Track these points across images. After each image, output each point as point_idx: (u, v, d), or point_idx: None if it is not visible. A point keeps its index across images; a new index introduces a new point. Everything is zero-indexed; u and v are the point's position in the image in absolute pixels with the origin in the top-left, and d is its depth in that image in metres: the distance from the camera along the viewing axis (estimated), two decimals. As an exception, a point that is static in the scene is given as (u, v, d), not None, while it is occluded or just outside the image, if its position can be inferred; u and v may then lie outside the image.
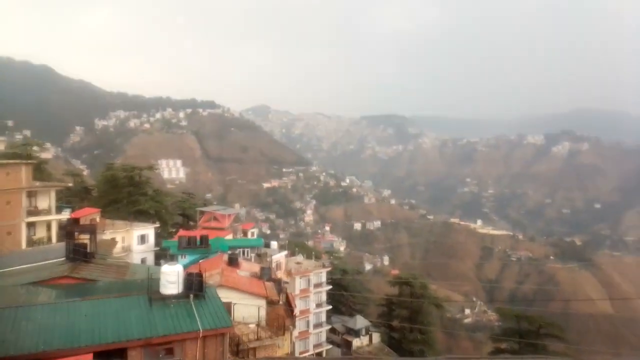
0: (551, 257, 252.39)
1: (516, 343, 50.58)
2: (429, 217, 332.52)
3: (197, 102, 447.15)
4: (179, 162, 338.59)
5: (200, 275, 24.74)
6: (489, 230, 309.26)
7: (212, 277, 34.72)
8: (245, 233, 71.64)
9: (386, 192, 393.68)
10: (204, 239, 51.79)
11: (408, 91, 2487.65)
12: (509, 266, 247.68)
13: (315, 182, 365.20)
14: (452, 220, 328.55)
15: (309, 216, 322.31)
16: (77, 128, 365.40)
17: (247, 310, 34.29)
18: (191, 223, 78.55)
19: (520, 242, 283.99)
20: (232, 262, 44.07)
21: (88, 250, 31.96)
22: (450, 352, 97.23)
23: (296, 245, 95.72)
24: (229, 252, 49.38)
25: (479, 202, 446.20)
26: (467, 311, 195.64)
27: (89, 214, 48.55)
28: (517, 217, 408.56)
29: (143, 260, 52.08)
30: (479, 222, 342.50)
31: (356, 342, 63.82)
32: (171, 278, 23.64)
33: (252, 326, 33.28)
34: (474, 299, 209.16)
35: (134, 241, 53.73)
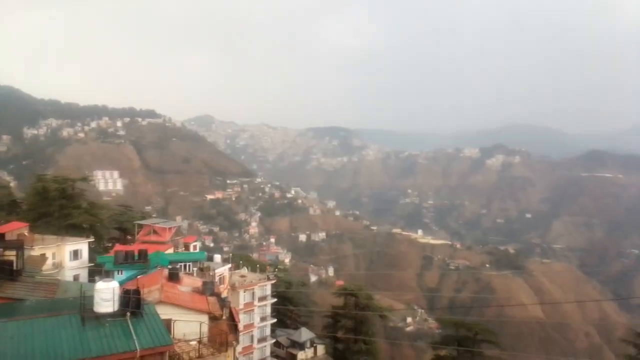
0: (487, 265, 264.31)
1: (455, 350, 52.29)
2: (372, 227, 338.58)
3: (136, 111, 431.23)
4: (116, 173, 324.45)
5: (137, 291, 23.74)
6: (429, 240, 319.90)
7: (151, 293, 33.37)
8: (187, 247, 69.47)
9: (331, 204, 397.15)
10: (143, 254, 49.65)
11: (353, 104, 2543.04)
12: (448, 274, 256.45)
13: (260, 194, 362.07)
14: (395, 230, 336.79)
15: (253, 228, 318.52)
16: (4, 137, 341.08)
17: (189, 326, 33.18)
18: (129, 237, 75.21)
19: (458, 251, 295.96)
20: (173, 277, 42.57)
21: (14, 267, 29.82)
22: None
23: (240, 258, 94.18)
24: (170, 266, 47.64)
25: (420, 212, 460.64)
26: (409, 319, 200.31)
27: (16, 229, 45.33)
28: (455, 227, 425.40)
29: (76, 277, 49.19)
30: (420, 232, 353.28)
31: (301, 355, 63.43)
32: (106, 295, 22.50)
33: (194, 343, 32.21)
34: (416, 307, 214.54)
35: (65, 257, 50.61)
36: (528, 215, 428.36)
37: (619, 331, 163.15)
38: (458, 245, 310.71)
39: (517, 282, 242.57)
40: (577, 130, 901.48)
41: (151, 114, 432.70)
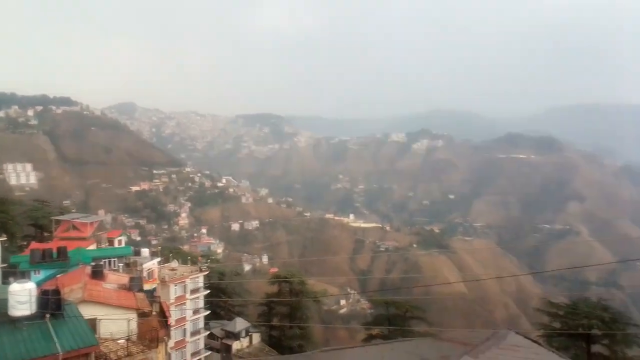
0: (414, 245, 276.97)
1: (386, 329, 54.44)
2: (305, 214, 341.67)
3: (50, 99, 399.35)
4: (28, 166, 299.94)
5: (57, 291, 22.43)
6: (361, 224, 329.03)
7: (72, 292, 31.61)
8: (111, 242, 66.33)
9: (263, 191, 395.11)
10: (62, 251, 46.74)
11: (283, 91, 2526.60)
12: (379, 256, 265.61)
13: (189, 184, 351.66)
14: (327, 216, 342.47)
15: (183, 219, 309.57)
16: None
17: (116, 324, 31.89)
18: (46, 234, 70.44)
19: (388, 233, 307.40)
20: (97, 274, 40.54)
21: None
22: (327, 344, 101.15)
23: (170, 251, 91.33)
24: (93, 263, 45.34)
25: (351, 197, 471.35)
26: (343, 302, 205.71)
27: None
28: (384, 210, 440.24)
29: (-14, 280, 45.40)
30: (352, 216, 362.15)
31: (236, 345, 63.13)
32: (22, 297, 21.05)
33: (122, 341, 31.05)
34: (349, 290, 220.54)
35: (-28, 259, 46.45)
36: (451, 196, 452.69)
37: (534, 301, 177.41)
38: (388, 228, 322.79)
39: (442, 259, 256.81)
40: (495, 114, 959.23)
41: (67, 101, 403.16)
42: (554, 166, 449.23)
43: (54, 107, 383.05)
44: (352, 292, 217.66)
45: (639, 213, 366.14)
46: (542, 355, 13.56)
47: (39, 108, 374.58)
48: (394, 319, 55.80)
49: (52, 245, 49.23)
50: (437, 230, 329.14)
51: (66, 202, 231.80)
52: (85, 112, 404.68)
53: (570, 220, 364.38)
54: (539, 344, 15.59)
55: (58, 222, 66.70)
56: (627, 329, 40.43)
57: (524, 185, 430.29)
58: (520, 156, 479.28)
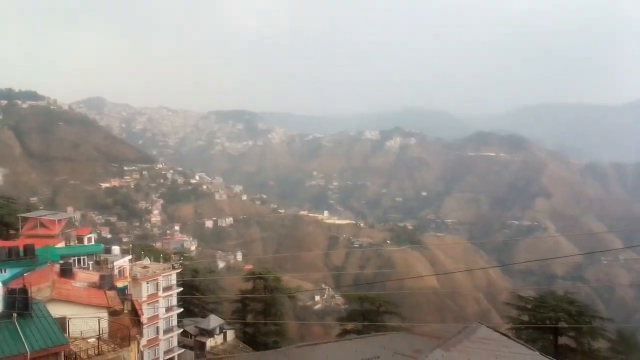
0: (388, 241, 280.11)
1: (360, 324, 54.97)
2: (280, 211, 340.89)
3: (14, 93, 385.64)
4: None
5: (25, 290, 21.82)
6: (335, 220, 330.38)
7: (40, 291, 30.82)
8: (80, 239, 64.85)
9: (237, 188, 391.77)
10: (29, 249, 45.40)
11: (257, 88, 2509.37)
12: (353, 252, 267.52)
13: (161, 180, 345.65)
14: (302, 212, 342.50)
15: (155, 216, 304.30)
16: None
17: (87, 323, 31.28)
18: (12, 232, 68.34)
19: (361, 229, 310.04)
20: (65, 272, 39.64)
21: None
22: (302, 339, 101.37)
23: (142, 249, 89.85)
24: (61, 262, 44.27)
25: (325, 194, 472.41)
26: (317, 298, 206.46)
27: None
28: (358, 207, 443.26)
29: (-53, 280, 43.72)
30: (326, 213, 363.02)
31: (210, 342, 62.70)
32: (-13, 297, 20.41)
33: (93, 340, 30.46)
34: (323, 285, 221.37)
35: None
36: (424, 193, 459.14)
37: (503, 295, 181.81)
38: (361, 224, 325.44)
39: (415, 255, 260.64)
40: (466, 113, 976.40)
41: (33, 95, 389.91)
42: (522, 164, 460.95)
43: (19, 102, 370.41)
44: (327, 288, 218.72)
45: (603, 209, 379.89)
46: (511, 347, 13.99)
47: (4, 102, 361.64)
48: (367, 314, 56.40)
49: (19, 243, 47.76)
50: (410, 227, 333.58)
51: (33, 199, 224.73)
52: (52, 107, 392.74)
53: (538, 216, 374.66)
54: (508, 336, 16.09)
55: (25, 219, 64.88)
56: (593, 322, 41.95)
57: (494, 183, 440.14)
58: (490, 154, 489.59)
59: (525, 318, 44.38)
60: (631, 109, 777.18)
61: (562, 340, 41.93)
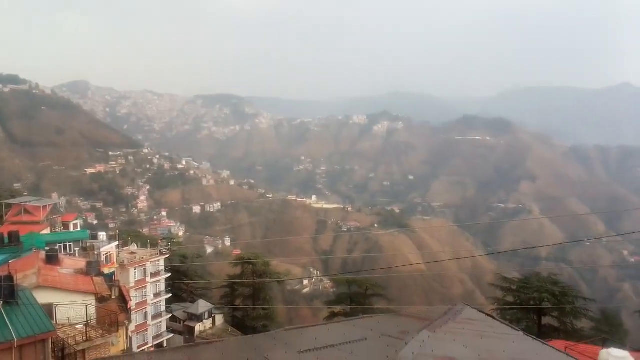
0: (375, 225, 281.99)
1: (348, 307, 55.64)
2: (268, 195, 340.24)
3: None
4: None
5: (10, 278, 21.62)
6: (323, 205, 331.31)
7: (26, 278, 30.55)
8: (66, 226, 64.25)
9: (225, 173, 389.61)
10: (14, 236, 44.85)
11: (243, 71, 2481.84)
12: (341, 236, 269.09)
13: (148, 166, 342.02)
14: (290, 197, 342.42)
15: (142, 202, 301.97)
16: None
17: (74, 310, 31.17)
18: (-5, 219, 67.23)
19: (349, 213, 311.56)
20: (51, 259, 39.32)
21: None
22: (291, 323, 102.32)
23: (129, 234, 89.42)
24: (47, 248, 43.87)
25: (313, 178, 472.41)
26: (306, 282, 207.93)
27: None
28: (346, 191, 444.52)
29: None
30: (314, 197, 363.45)
31: (199, 327, 63.02)
32: (-29, 285, 20.18)
33: (80, 327, 30.40)
34: (312, 270, 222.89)
35: None
36: (411, 177, 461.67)
37: (488, 277, 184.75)
38: (349, 208, 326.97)
39: (402, 238, 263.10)
40: (452, 96, 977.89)
41: (14, 79, 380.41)
42: (507, 147, 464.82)
43: (0, 86, 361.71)
44: (316, 271, 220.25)
45: (587, 192, 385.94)
46: (496, 327, 14.24)
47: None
48: (355, 297, 57.07)
49: (3, 230, 47.19)
50: (397, 211, 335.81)
51: (17, 185, 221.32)
52: (34, 91, 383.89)
53: (523, 199, 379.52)
54: (493, 317, 16.38)
55: (9, 206, 64.04)
56: (576, 302, 43.00)
57: (480, 166, 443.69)
58: (476, 138, 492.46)
59: (510, 299, 45.32)
60: (615, 93, 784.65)
61: (546, 320, 42.96)
